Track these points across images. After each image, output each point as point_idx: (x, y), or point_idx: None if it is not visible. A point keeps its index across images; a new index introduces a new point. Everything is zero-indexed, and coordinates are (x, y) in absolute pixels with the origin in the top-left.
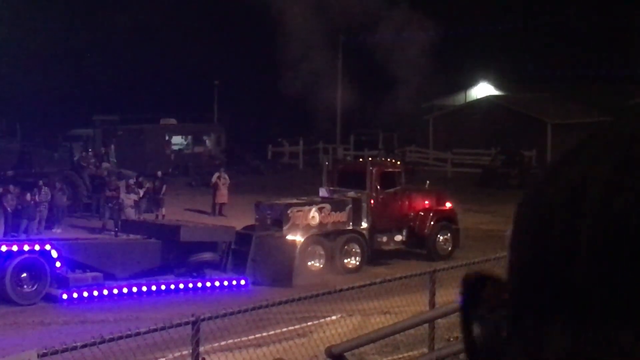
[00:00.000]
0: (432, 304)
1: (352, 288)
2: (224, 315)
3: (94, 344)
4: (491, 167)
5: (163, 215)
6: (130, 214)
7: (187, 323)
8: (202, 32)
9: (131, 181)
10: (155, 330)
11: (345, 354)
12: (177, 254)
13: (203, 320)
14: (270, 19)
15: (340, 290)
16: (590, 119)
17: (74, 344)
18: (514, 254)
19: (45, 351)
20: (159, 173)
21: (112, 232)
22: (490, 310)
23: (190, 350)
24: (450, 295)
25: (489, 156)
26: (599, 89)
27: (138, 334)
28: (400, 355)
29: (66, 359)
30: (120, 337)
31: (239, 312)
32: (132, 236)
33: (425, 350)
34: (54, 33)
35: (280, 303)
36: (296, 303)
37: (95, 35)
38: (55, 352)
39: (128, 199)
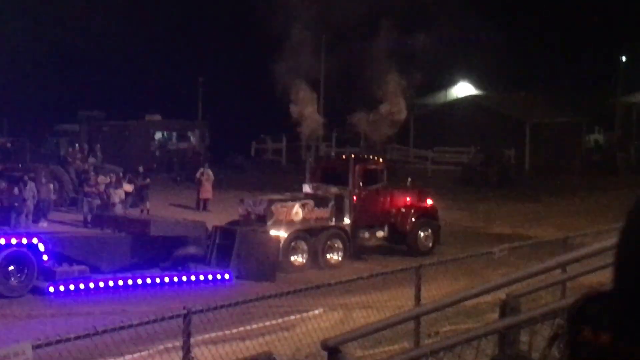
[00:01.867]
0: (417, 299)
1: (340, 283)
2: (215, 308)
3: (87, 335)
4: (471, 165)
5: (148, 210)
6: (118, 208)
7: (178, 316)
8: (188, 29)
9: (116, 175)
10: (148, 322)
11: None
12: (150, 249)
13: (194, 313)
14: (255, 17)
15: (328, 285)
16: (567, 118)
17: (68, 336)
18: (626, 262)
19: (39, 342)
20: (141, 168)
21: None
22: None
23: (181, 343)
24: (434, 290)
25: (469, 154)
26: (576, 89)
27: (131, 325)
28: (382, 349)
29: (59, 351)
30: (114, 329)
31: (229, 305)
32: (103, 230)
33: (406, 344)
34: (40, 29)
35: (269, 297)
36: (281, 297)
37: (82, 32)
38: (50, 344)
39: (115, 194)
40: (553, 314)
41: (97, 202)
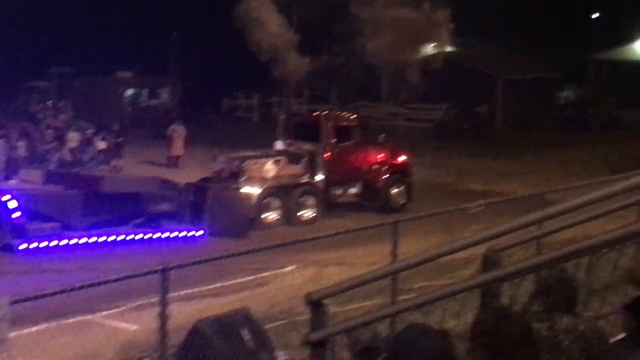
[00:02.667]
0: (394, 254)
1: (317, 238)
2: (191, 264)
3: (64, 291)
4: (443, 121)
5: (121, 167)
6: (90, 165)
7: (155, 271)
8: None
9: (89, 132)
10: (124, 278)
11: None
12: (102, 206)
13: (172, 268)
14: None
15: (305, 240)
16: (540, 74)
17: (46, 291)
18: None
19: (17, 298)
20: (116, 126)
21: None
22: None
23: (156, 299)
24: (409, 246)
25: (441, 110)
26: (549, 45)
27: (107, 281)
28: (355, 305)
29: (36, 307)
30: (91, 285)
31: (205, 261)
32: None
33: (378, 301)
34: None
35: (246, 252)
36: (255, 254)
37: None
38: (28, 299)
39: (85, 152)
40: (533, 269)
41: (69, 158)
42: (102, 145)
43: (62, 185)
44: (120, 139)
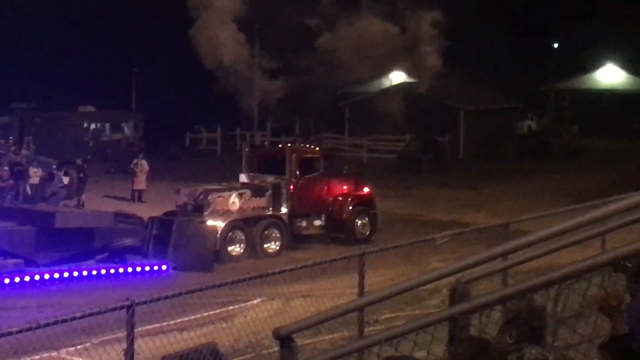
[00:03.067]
0: (361, 286)
1: (284, 271)
2: (159, 299)
3: (29, 329)
4: (406, 152)
5: (83, 202)
6: (53, 201)
7: (122, 307)
8: (120, 20)
9: (52, 167)
10: (91, 314)
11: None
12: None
13: (138, 304)
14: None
15: (272, 274)
16: (502, 104)
17: (10, 329)
18: None
19: None
20: (79, 160)
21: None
22: None
23: (120, 335)
24: (375, 277)
25: (404, 142)
26: (509, 76)
27: (74, 318)
28: (322, 338)
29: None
30: (56, 322)
31: (173, 296)
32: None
33: (345, 333)
34: None
35: (213, 287)
36: (220, 288)
37: (13, 22)
38: None
39: (47, 187)
40: (503, 300)
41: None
42: (65, 180)
43: (16, 221)
44: (83, 174)
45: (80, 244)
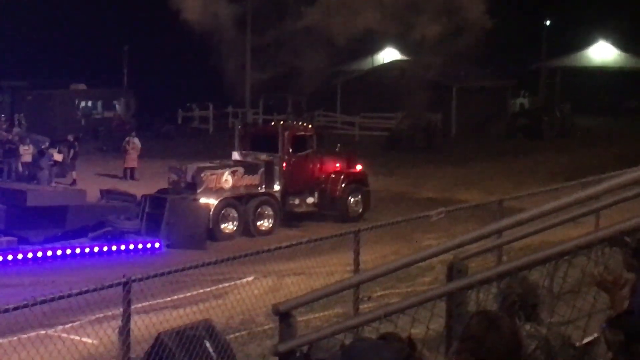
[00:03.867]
0: (357, 263)
1: (278, 249)
2: (154, 276)
3: (26, 306)
4: (398, 130)
5: (74, 180)
6: (44, 178)
7: (118, 284)
8: None
9: (44, 146)
10: (87, 291)
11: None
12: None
13: (134, 281)
14: None
15: (267, 251)
16: (494, 82)
17: (6, 306)
18: None
19: None
20: (71, 137)
21: None
22: None
23: (114, 312)
24: (368, 254)
25: (396, 120)
26: (502, 53)
27: (70, 295)
28: (315, 315)
29: None
30: (52, 299)
31: (168, 272)
32: None
33: (338, 310)
34: None
35: (208, 264)
36: (214, 265)
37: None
38: None
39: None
40: (501, 276)
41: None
42: (57, 157)
43: None
44: (74, 151)
45: (52, 222)
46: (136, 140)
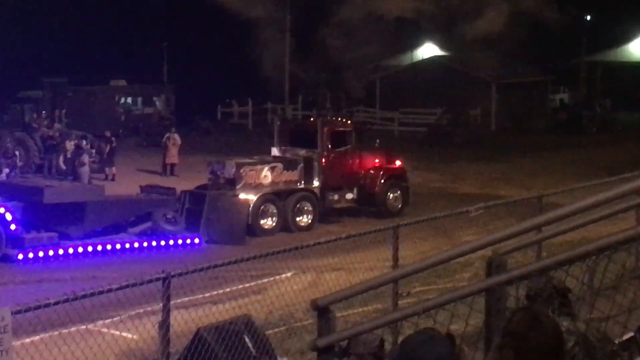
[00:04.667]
0: (395, 258)
1: (317, 244)
2: (193, 271)
3: (66, 300)
4: (437, 125)
5: (113, 175)
6: (85, 174)
7: (158, 279)
8: None
9: (83, 142)
10: (127, 286)
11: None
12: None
13: (173, 276)
14: None
15: (306, 246)
16: (533, 78)
17: (47, 301)
18: None
19: (18, 308)
20: (108, 133)
21: None
22: None
23: (154, 307)
24: (407, 250)
25: (435, 115)
26: (542, 48)
27: (110, 290)
28: (355, 311)
29: (36, 317)
30: (93, 294)
31: (207, 268)
32: None
33: (377, 306)
34: None
35: (247, 259)
36: (253, 261)
37: None
38: (29, 310)
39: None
40: (542, 271)
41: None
42: (85, 160)
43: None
44: (111, 147)
45: (70, 219)
46: (176, 136)
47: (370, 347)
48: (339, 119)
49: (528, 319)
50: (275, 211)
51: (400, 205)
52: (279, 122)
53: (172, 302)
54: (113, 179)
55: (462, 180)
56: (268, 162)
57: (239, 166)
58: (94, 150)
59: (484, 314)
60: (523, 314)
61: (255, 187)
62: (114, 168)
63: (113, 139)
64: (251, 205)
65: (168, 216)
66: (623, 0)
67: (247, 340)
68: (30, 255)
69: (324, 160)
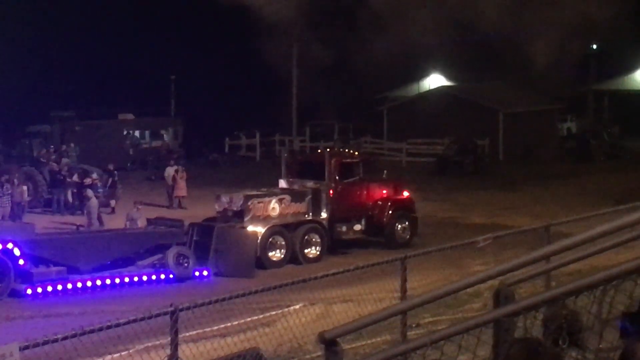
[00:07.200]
0: (403, 290)
1: (325, 276)
2: (202, 304)
3: (74, 335)
4: (445, 155)
5: (113, 209)
6: (94, 208)
7: (165, 313)
8: (158, 27)
9: (93, 175)
10: (135, 320)
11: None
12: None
13: (182, 310)
14: (225, 12)
15: (314, 278)
16: (541, 106)
17: (55, 336)
18: None
19: (27, 344)
20: (111, 166)
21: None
22: None
23: (163, 341)
24: (416, 281)
25: (443, 145)
26: (548, 77)
27: (118, 324)
28: (363, 343)
29: (44, 352)
30: (101, 329)
31: (216, 301)
32: None
33: (387, 337)
34: (9, 30)
35: (255, 292)
36: (262, 293)
37: (51, 31)
38: (37, 345)
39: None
40: (549, 301)
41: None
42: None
43: None
44: (113, 180)
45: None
46: (183, 169)
47: None
48: (347, 150)
49: (525, 351)
50: (283, 243)
51: (408, 236)
52: (286, 154)
53: (180, 336)
54: (112, 212)
55: (471, 210)
56: (276, 194)
57: (247, 198)
58: (99, 184)
59: (492, 345)
60: (520, 346)
61: (263, 219)
62: (113, 201)
63: (115, 172)
64: (259, 238)
65: (180, 259)
66: (630, 29)
67: None
68: (39, 290)
69: (331, 191)
